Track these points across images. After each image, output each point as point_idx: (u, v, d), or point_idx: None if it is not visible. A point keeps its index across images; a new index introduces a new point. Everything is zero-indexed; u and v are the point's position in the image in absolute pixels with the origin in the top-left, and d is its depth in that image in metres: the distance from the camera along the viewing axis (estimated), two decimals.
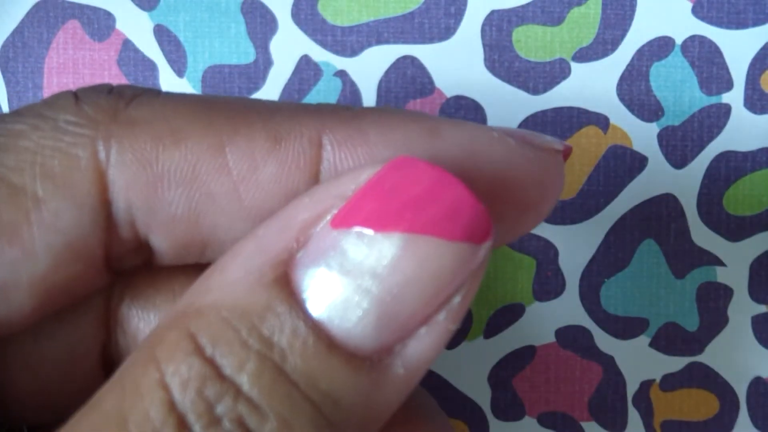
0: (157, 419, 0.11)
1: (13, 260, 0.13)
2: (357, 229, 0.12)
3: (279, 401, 0.11)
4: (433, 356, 0.12)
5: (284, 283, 0.12)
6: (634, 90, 0.26)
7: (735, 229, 0.26)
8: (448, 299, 0.12)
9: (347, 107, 0.14)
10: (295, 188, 0.14)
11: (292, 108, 0.14)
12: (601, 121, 0.26)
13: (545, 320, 0.27)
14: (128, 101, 0.14)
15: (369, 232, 0.12)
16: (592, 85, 0.26)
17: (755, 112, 0.26)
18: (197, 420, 0.11)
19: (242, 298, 0.12)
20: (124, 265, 0.15)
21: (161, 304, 0.15)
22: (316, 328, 0.12)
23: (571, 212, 0.26)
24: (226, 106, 0.14)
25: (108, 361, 0.16)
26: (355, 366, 0.12)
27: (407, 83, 0.26)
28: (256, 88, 0.26)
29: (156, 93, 0.15)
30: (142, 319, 0.15)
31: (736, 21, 0.26)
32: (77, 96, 0.14)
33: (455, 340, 0.27)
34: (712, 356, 0.27)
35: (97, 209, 0.14)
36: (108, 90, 0.14)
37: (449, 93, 0.26)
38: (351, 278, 0.12)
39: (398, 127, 0.14)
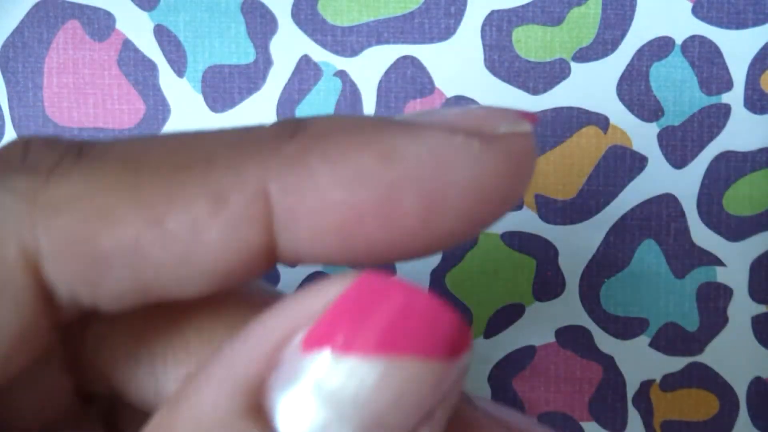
0: None
1: None
2: (330, 352, 0.11)
3: None
4: None
5: (257, 410, 0.11)
6: (634, 90, 0.26)
7: (735, 229, 0.26)
8: (431, 413, 0.12)
9: (291, 135, 0.13)
10: (247, 244, 0.13)
11: (232, 151, 0.13)
12: (601, 121, 0.26)
13: (545, 320, 0.27)
14: (46, 176, 0.13)
15: (344, 355, 0.11)
16: (592, 85, 0.26)
17: (755, 112, 0.26)
18: None
19: (215, 420, 0.11)
20: (72, 327, 0.14)
21: (124, 333, 0.15)
22: None
23: (571, 212, 0.26)
24: (157, 163, 0.13)
25: (82, 386, 0.15)
26: None
27: (407, 83, 0.26)
28: (256, 88, 0.26)
29: (75, 158, 0.13)
30: (109, 348, 0.15)
31: (736, 21, 0.26)
32: (13, 159, 0.13)
33: None
34: (712, 356, 0.27)
35: (37, 302, 0.13)
36: (21, 157, 0.13)
37: (449, 93, 0.26)
38: (329, 406, 0.11)
39: (349, 158, 0.12)
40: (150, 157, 0.13)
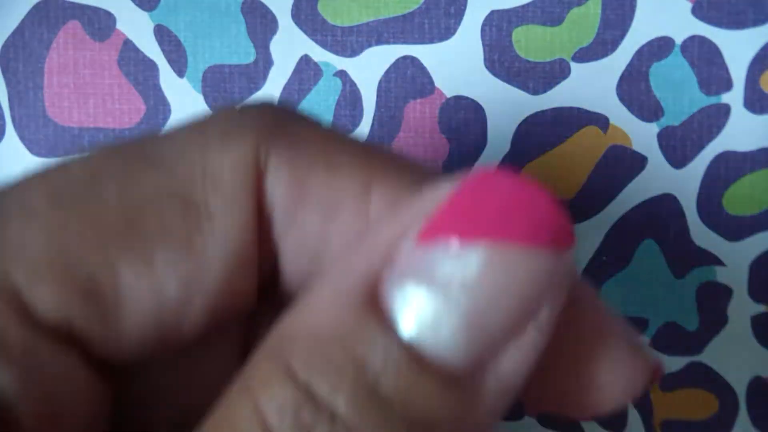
0: None
1: (187, 272, 0.13)
2: (442, 242, 0.12)
3: (374, 423, 0.11)
4: (524, 372, 0.12)
5: (373, 304, 0.12)
6: (634, 90, 0.26)
7: (734, 229, 0.26)
8: (535, 311, 0.12)
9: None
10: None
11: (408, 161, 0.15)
12: (600, 121, 0.26)
13: None
14: (290, 119, 0.14)
15: (455, 244, 0.12)
16: (592, 85, 0.26)
17: (755, 112, 0.26)
18: None
19: (333, 323, 0.12)
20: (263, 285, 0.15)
21: None
22: (408, 349, 0.12)
23: (571, 212, 0.26)
24: (376, 148, 0.14)
25: None
26: (449, 384, 0.12)
27: (407, 83, 0.26)
28: (257, 88, 0.26)
29: (312, 118, 0.15)
30: None
31: (735, 21, 0.26)
32: (239, 110, 0.14)
33: None
34: (712, 356, 0.27)
35: (256, 220, 0.14)
36: (268, 105, 0.15)
37: (449, 93, 0.26)
38: (439, 292, 0.12)
39: None
40: (368, 144, 0.15)
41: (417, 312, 0.12)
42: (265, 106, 0.14)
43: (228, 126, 0.14)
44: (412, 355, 0.12)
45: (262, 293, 0.15)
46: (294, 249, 0.14)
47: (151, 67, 0.26)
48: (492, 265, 0.12)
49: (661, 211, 0.26)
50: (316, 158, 0.14)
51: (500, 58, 0.26)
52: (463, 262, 0.12)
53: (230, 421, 0.12)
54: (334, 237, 0.14)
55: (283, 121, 0.14)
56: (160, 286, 0.13)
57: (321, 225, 0.14)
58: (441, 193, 0.12)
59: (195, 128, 0.14)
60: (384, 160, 0.14)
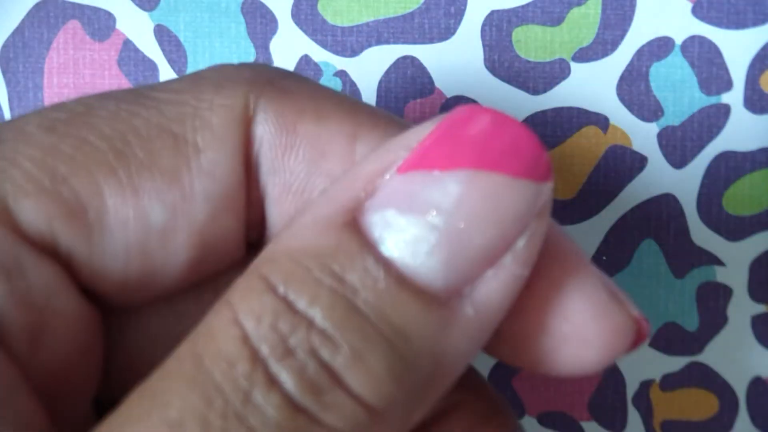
0: (231, 353, 0.12)
1: (173, 203, 0.14)
2: (423, 170, 0.12)
3: (351, 333, 0.12)
4: (502, 302, 0.13)
5: (354, 226, 0.12)
6: (634, 90, 0.26)
7: (734, 228, 0.26)
8: (512, 239, 0.12)
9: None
10: None
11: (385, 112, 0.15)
12: (600, 121, 0.26)
13: None
14: (282, 75, 0.15)
15: (435, 172, 0.12)
16: (592, 85, 0.26)
17: (755, 112, 0.26)
18: (271, 352, 0.12)
19: (313, 241, 0.12)
20: (251, 237, 0.15)
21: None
22: (386, 265, 0.12)
23: (571, 212, 0.26)
24: (364, 105, 0.15)
25: None
26: (425, 302, 0.12)
27: (407, 83, 0.26)
28: None
29: (303, 77, 0.16)
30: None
31: (736, 21, 0.26)
32: (235, 66, 0.15)
33: None
34: (712, 356, 0.27)
35: (243, 163, 0.14)
36: (263, 64, 0.15)
37: (449, 93, 0.26)
38: (419, 215, 0.12)
39: None
40: (355, 99, 0.15)
41: (396, 234, 0.12)
42: (260, 65, 0.15)
43: (222, 77, 0.14)
44: (390, 271, 0.12)
45: (250, 247, 0.15)
46: (280, 195, 0.15)
47: (151, 67, 0.26)
48: (470, 191, 0.12)
49: (661, 211, 0.26)
50: (305, 108, 0.14)
51: (500, 58, 0.26)
52: (442, 189, 0.12)
53: (209, 332, 0.12)
54: (319, 183, 0.14)
55: (275, 76, 0.15)
56: (145, 213, 0.13)
57: (307, 171, 0.14)
58: (423, 130, 0.13)
59: (190, 78, 0.15)
60: (370, 114, 0.15)
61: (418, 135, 0.13)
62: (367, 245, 0.12)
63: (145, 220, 0.13)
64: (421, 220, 0.12)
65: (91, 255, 0.13)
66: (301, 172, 0.14)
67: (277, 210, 0.15)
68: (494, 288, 0.12)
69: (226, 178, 0.14)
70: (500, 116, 0.12)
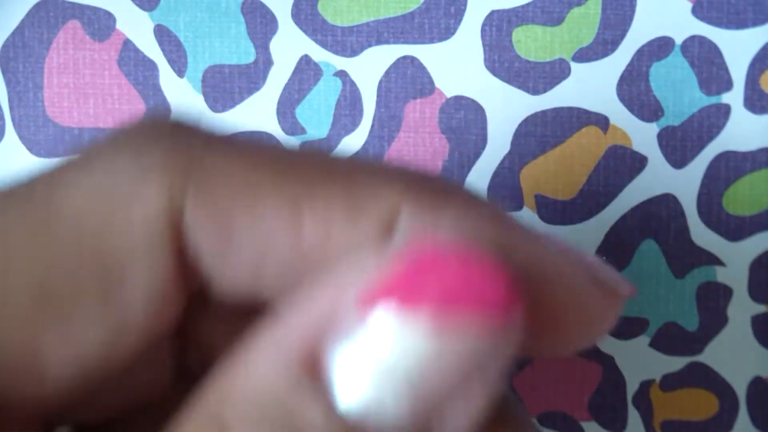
0: None
1: (109, 325, 0.13)
2: (383, 307, 0.12)
3: None
4: (473, 419, 0.12)
5: (310, 367, 0.12)
6: (634, 90, 0.26)
7: (734, 228, 0.26)
8: (479, 376, 0.12)
9: (428, 175, 0.14)
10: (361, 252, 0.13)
11: (374, 169, 0.14)
12: (600, 121, 0.26)
13: None
14: (202, 146, 0.13)
15: (397, 310, 0.11)
16: (592, 85, 0.26)
17: (755, 112, 0.26)
18: None
19: (270, 385, 0.12)
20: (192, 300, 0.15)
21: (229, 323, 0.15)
22: (344, 419, 0.12)
23: (571, 212, 0.26)
24: (304, 162, 0.14)
25: (182, 367, 0.16)
26: None
27: (407, 83, 0.26)
28: (256, 88, 0.26)
29: (229, 138, 0.14)
30: (214, 334, 0.15)
31: (736, 21, 0.26)
32: (146, 138, 0.13)
33: None
34: (712, 356, 0.27)
35: (176, 267, 0.13)
36: (176, 127, 0.14)
37: (449, 93, 0.26)
38: (380, 360, 0.11)
39: (475, 217, 0.13)
40: (298, 157, 0.14)
41: (356, 380, 0.12)
42: (174, 129, 0.13)
43: (136, 164, 0.13)
44: (347, 425, 0.11)
45: (194, 301, 0.14)
46: (227, 276, 0.14)
47: (151, 67, 0.26)
48: (433, 336, 0.11)
49: (661, 211, 0.26)
50: (237, 194, 0.13)
51: (500, 58, 0.26)
52: (405, 330, 0.11)
53: None
54: (269, 266, 0.13)
55: (196, 152, 0.13)
56: (82, 344, 0.13)
57: (253, 259, 0.13)
58: (385, 255, 0.12)
59: (100, 168, 0.13)
60: (309, 173, 0.13)
61: (379, 260, 0.12)
62: (324, 392, 0.12)
63: (82, 350, 0.13)
64: (382, 365, 0.11)
65: (32, 396, 0.13)
66: (247, 261, 0.13)
67: (225, 284, 0.14)
68: (463, 411, 0.12)
69: (159, 284, 0.13)
70: (465, 257, 0.12)
